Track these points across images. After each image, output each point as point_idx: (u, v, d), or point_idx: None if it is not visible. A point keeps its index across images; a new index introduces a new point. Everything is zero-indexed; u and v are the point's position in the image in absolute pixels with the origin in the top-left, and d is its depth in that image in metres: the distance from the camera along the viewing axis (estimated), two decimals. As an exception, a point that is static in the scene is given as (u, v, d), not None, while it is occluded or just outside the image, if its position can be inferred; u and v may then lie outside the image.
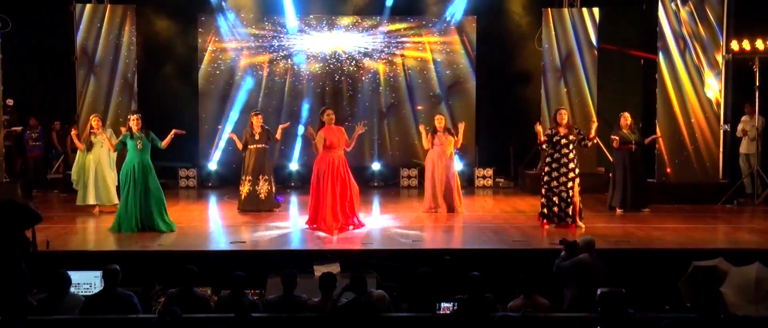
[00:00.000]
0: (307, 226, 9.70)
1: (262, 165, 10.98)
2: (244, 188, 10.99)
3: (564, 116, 9.72)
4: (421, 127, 11.46)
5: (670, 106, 12.29)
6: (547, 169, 9.73)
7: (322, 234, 9.39)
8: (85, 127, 12.54)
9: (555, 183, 9.63)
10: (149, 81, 14.00)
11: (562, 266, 7.07)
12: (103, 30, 13.37)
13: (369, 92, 15.01)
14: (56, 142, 14.40)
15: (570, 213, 9.61)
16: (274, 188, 11.17)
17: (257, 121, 11.02)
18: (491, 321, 5.57)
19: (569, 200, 9.60)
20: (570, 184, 9.61)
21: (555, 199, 9.64)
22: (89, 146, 11.09)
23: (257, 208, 10.93)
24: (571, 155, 9.61)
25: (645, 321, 5.65)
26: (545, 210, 9.74)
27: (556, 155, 9.62)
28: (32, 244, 6.25)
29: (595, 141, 9.81)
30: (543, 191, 9.76)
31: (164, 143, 9.78)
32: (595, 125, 10.16)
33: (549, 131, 9.70)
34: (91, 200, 11.01)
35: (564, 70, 13.83)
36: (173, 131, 9.85)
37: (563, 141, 9.59)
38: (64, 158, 14.38)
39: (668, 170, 12.32)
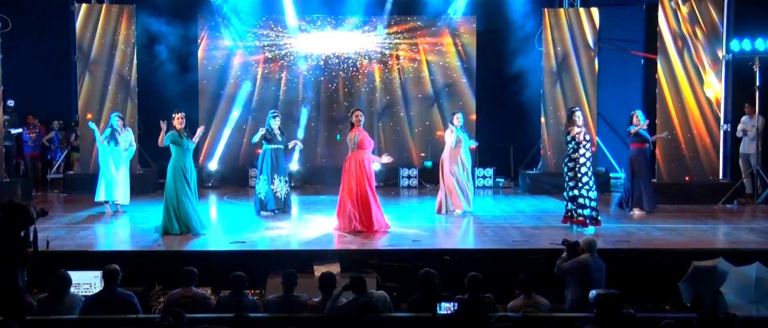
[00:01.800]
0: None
1: (280, 165, 10.91)
2: (262, 188, 10.85)
3: (581, 118, 9.64)
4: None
5: (671, 106, 12.29)
6: (583, 169, 9.58)
7: (322, 234, 9.41)
8: (84, 125, 12.58)
9: (591, 183, 9.53)
10: (148, 81, 14.01)
11: (563, 266, 7.07)
12: (103, 29, 13.39)
13: (366, 93, 15.01)
14: (52, 143, 14.38)
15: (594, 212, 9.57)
16: (288, 188, 11.08)
17: (275, 123, 10.90)
18: (491, 321, 5.57)
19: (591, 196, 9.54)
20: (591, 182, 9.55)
21: (593, 197, 9.54)
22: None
23: (276, 207, 10.88)
24: (588, 155, 9.55)
25: (645, 321, 5.65)
26: (586, 211, 9.51)
27: (575, 156, 9.51)
28: (33, 245, 6.26)
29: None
30: (584, 191, 9.46)
31: (194, 139, 9.60)
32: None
33: (575, 131, 9.52)
34: (110, 197, 10.99)
35: (564, 70, 13.84)
36: (199, 130, 9.76)
37: (584, 142, 9.51)
38: (64, 158, 14.40)
39: (661, 163, 12.32)
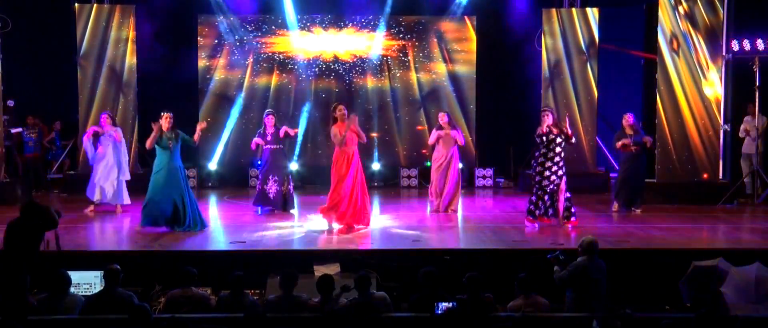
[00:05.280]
0: (320, 213, 9.71)
1: (273, 166, 10.95)
2: (259, 187, 11.03)
3: (549, 117, 9.73)
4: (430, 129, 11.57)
5: (671, 106, 12.28)
6: (539, 168, 9.69)
7: (322, 233, 9.41)
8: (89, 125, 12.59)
9: (547, 182, 9.63)
10: (149, 82, 14.01)
11: (563, 276, 6.95)
12: (104, 30, 13.42)
13: (365, 94, 15.00)
14: (52, 144, 14.36)
15: (557, 211, 9.66)
16: (285, 188, 11.05)
17: (269, 121, 10.97)
18: (491, 321, 5.57)
19: (556, 197, 9.64)
20: (559, 182, 9.64)
21: (545, 197, 9.65)
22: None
23: (267, 206, 10.95)
24: (562, 154, 9.68)
25: (645, 321, 5.65)
26: (533, 208, 9.74)
27: (550, 154, 9.63)
28: (57, 245, 6.33)
29: (573, 140, 9.91)
30: (534, 188, 9.74)
31: (195, 138, 9.70)
32: (566, 119, 10.13)
33: (545, 129, 9.67)
34: (97, 196, 11.03)
35: (564, 70, 13.85)
36: (199, 126, 9.75)
37: (557, 140, 9.62)
38: (64, 158, 14.39)
39: (660, 163, 12.31)
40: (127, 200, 11.15)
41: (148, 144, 9.63)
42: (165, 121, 9.47)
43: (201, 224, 9.60)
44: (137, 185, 11.70)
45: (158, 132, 9.45)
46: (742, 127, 12.69)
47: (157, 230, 9.32)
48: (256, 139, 11.02)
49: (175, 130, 9.54)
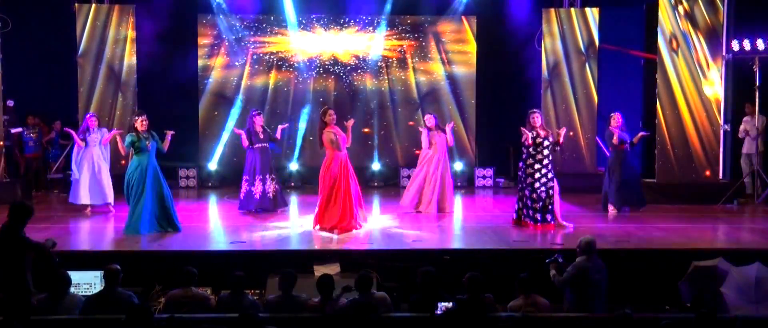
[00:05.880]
0: (324, 230, 9.55)
1: (268, 165, 10.98)
2: (255, 187, 10.94)
3: (538, 119, 9.72)
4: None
5: (671, 106, 12.27)
6: (529, 170, 9.70)
7: (323, 234, 9.39)
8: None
9: (538, 184, 9.63)
10: (149, 81, 14.01)
11: (563, 280, 6.94)
12: (103, 29, 13.43)
13: (365, 94, 14.99)
14: (52, 144, 14.35)
15: (551, 213, 9.64)
16: (279, 187, 11.15)
17: (259, 120, 11.01)
18: (491, 321, 5.57)
19: (550, 199, 9.63)
20: (551, 184, 9.64)
21: (537, 199, 9.64)
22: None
23: (267, 207, 10.94)
24: (549, 157, 9.69)
25: (645, 321, 5.65)
26: (527, 211, 9.72)
27: (538, 157, 9.64)
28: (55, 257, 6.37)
29: (558, 148, 9.96)
30: (527, 192, 9.73)
31: (165, 146, 9.72)
32: (563, 131, 10.15)
33: (533, 133, 9.68)
34: (86, 200, 11.01)
35: (564, 70, 13.86)
36: (168, 133, 9.73)
37: (545, 142, 9.63)
38: (64, 158, 14.38)
39: (660, 163, 12.30)
40: (111, 199, 11.11)
41: (121, 150, 9.74)
42: (140, 123, 9.45)
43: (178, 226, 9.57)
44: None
45: (134, 133, 9.43)
46: (741, 127, 12.70)
47: (152, 232, 9.30)
48: (243, 135, 10.99)
49: (150, 132, 9.53)
